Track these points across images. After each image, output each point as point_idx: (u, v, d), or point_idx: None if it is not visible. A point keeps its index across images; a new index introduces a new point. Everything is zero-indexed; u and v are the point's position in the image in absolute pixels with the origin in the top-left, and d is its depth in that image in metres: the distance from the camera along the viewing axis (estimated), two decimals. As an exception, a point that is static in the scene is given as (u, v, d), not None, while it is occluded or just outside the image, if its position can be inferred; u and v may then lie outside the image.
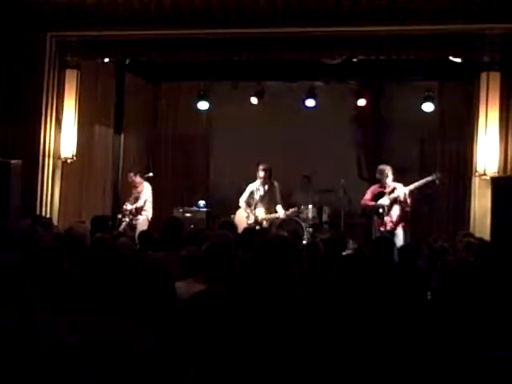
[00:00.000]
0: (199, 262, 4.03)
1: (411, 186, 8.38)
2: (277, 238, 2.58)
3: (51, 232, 5.66)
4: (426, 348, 2.91)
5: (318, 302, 3.14)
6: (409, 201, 8.50)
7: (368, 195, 8.76)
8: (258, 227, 8.73)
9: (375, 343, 2.90)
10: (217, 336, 2.20)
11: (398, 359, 2.88)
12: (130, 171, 9.88)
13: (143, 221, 9.44)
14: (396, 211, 8.46)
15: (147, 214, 9.58)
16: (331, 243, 5.91)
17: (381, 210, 8.52)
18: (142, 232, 6.37)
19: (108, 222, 7.86)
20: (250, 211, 8.97)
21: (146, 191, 9.66)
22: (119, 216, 9.65)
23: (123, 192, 10.85)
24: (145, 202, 9.57)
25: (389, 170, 8.57)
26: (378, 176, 8.65)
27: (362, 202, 8.81)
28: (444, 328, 3.05)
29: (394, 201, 8.49)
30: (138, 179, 9.70)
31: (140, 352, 2.34)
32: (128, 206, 9.63)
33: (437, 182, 8.40)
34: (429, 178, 8.43)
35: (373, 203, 8.59)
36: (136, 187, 9.70)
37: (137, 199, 9.63)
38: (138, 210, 9.58)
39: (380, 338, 3.02)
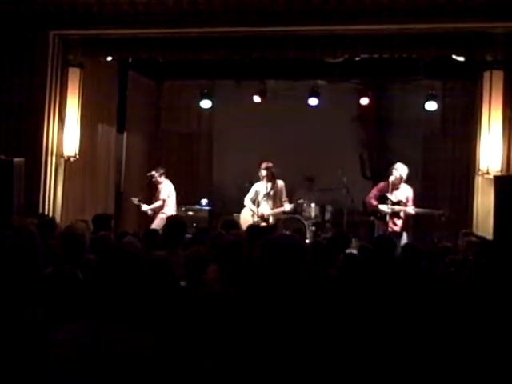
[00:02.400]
0: (203, 262, 4.03)
1: (416, 210, 8.55)
2: (285, 237, 2.56)
3: (55, 231, 5.65)
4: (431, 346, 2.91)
5: (322, 300, 3.14)
6: (411, 203, 8.52)
7: (373, 192, 8.74)
8: (263, 224, 8.72)
9: (381, 342, 2.90)
10: (225, 336, 2.20)
11: (403, 357, 2.88)
12: (152, 171, 9.84)
13: (159, 220, 9.36)
14: (400, 218, 8.49)
15: (166, 212, 9.52)
16: (334, 241, 5.94)
17: (378, 215, 8.56)
18: (148, 230, 6.37)
19: (110, 221, 7.85)
20: (254, 209, 8.97)
21: (163, 191, 9.69)
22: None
23: (126, 190, 10.87)
24: (164, 202, 9.61)
25: (399, 169, 8.50)
26: (392, 172, 8.61)
27: (367, 198, 8.81)
28: (449, 327, 3.05)
29: (398, 203, 8.50)
30: (160, 179, 9.74)
31: (142, 357, 2.32)
32: (144, 207, 9.73)
33: (442, 218, 8.65)
34: (435, 212, 8.77)
35: (375, 204, 8.58)
36: (157, 187, 9.77)
37: (157, 200, 9.74)
38: (156, 210, 9.64)
39: (384, 336, 3.02)
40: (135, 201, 9.89)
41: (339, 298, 3.89)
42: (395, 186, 8.53)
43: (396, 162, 8.68)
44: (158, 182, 9.76)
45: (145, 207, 9.79)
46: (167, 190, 9.73)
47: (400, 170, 8.50)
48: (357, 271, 4.17)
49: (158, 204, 9.68)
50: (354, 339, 2.81)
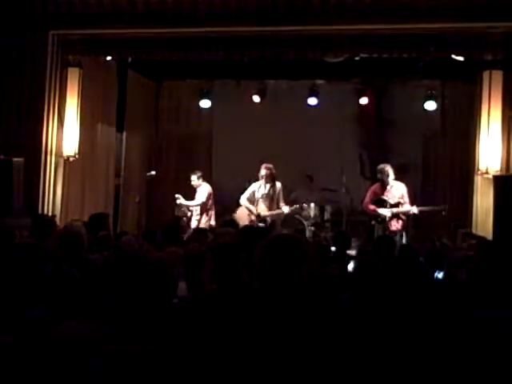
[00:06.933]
0: (201, 261, 4.03)
1: (418, 208, 8.52)
2: (287, 237, 2.54)
3: (54, 230, 5.65)
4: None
5: (323, 301, 3.12)
6: (407, 200, 8.52)
7: (368, 197, 8.72)
8: (261, 224, 8.71)
9: (385, 343, 2.89)
10: (222, 337, 2.18)
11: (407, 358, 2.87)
12: (192, 174, 9.65)
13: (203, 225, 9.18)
14: (400, 219, 8.48)
15: (207, 219, 9.40)
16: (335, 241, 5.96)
17: (379, 219, 8.54)
18: (146, 230, 6.38)
19: (107, 220, 7.83)
20: (252, 208, 8.94)
21: (198, 194, 9.54)
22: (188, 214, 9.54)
23: (125, 190, 10.86)
24: (203, 204, 9.40)
25: (389, 169, 8.57)
26: (378, 176, 8.64)
27: (364, 205, 8.78)
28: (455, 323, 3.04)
29: (396, 205, 8.48)
30: (197, 182, 9.59)
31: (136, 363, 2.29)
32: (182, 201, 9.49)
33: (443, 213, 8.64)
34: (436, 208, 8.78)
35: (373, 208, 8.54)
36: (196, 190, 9.63)
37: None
38: (200, 211, 9.44)
39: (388, 337, 3.01)
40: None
41: (352, 300, 3.87)
42: (388, 185, 8.57)
43: (381, 164, 8.73)
44: (197, 186, 9.59)
45: (183, 201, 9.51)
46: (205, 192, 9.51)
47: (389, 170, 8.53)
48: (371, 273, 4.15)
49: (194, 203, 9.45)
50: (358, 341, 2.80)
